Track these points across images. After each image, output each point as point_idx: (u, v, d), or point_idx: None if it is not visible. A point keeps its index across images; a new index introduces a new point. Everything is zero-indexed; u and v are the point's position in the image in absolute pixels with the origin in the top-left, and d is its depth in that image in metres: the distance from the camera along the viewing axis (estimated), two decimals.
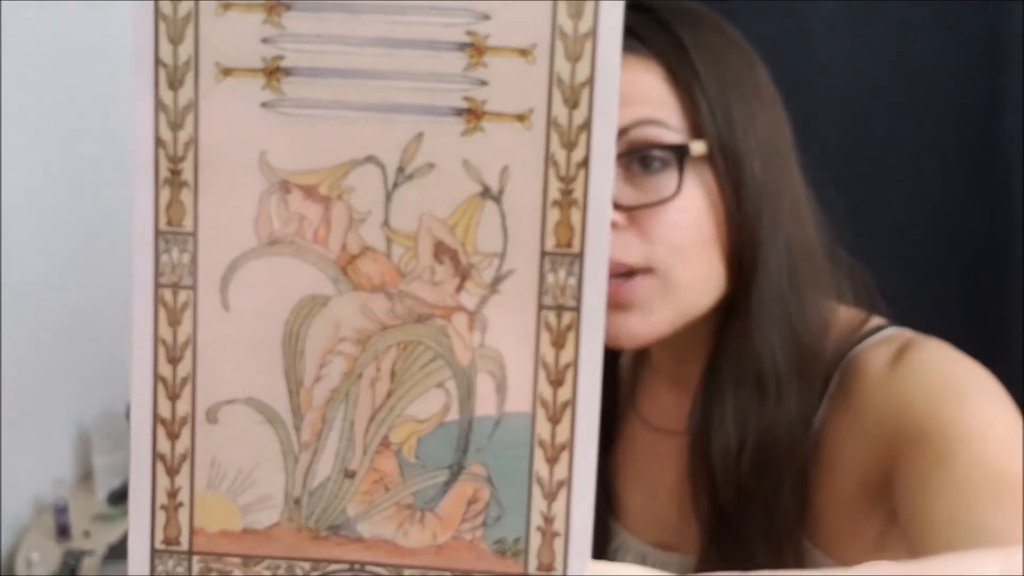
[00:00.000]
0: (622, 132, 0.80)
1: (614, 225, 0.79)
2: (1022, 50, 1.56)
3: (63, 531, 1.67)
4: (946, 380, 0.78)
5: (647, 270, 0.79)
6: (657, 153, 0.79)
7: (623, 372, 0.95)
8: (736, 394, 0.82)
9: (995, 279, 1.62)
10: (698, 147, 0.80)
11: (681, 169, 0.79)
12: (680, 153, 0.79)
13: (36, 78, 1.76)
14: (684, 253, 0.80)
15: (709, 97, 0.81)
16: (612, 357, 0.94)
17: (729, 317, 0.83)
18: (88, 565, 1.58)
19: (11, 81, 1.66)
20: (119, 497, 1.78)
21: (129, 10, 0.39)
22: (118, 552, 1.56)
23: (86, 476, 1.90)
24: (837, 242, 0.90)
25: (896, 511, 0.78)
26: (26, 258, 1.73)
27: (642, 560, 0.97)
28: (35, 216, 1.77)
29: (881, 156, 1.68)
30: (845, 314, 0.88)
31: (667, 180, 0.79)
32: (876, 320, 0.88)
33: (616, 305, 0.79)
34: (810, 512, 0.83)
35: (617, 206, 0.79)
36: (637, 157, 0.79)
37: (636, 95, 0.81)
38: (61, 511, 1.67)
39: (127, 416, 1.73)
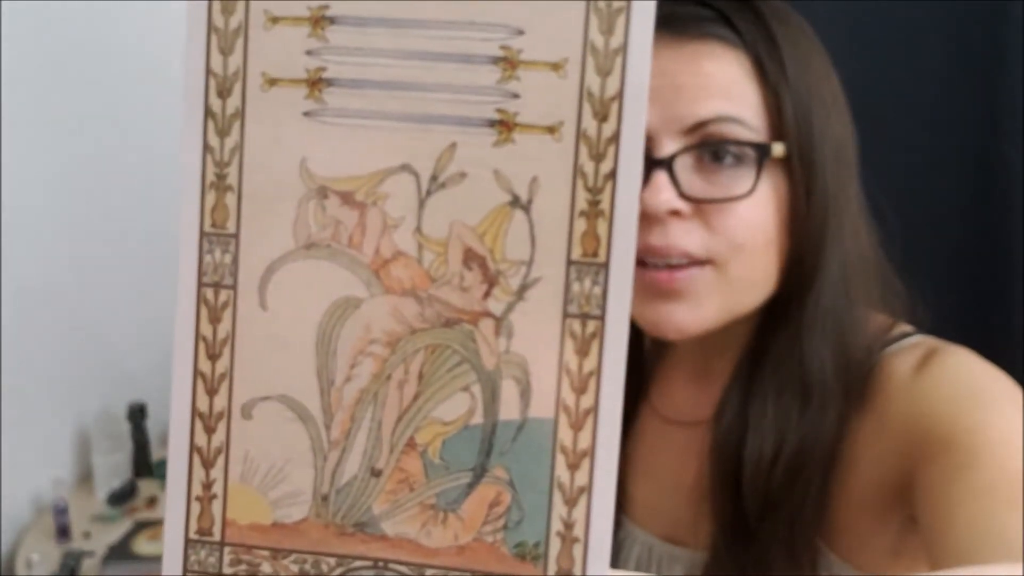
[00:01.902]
0: (701, 124, 0.78)
1: (678, 214, 0.78)
2: (1021, 53, 1.57)
3: (63, 532, 1.67)
4: (972, 387, 0.77)
5: (706, 261, 0.78)
6: (733, 149, 0.77)
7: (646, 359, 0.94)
8: (777, 400, 0.80)
9: (995, 283, 1.62)
10: (778, 149, 0.78)
11: (759, 168, 0.78)
12: (761, 152, 0.78)
13: (38, 79, 1.76)
14: (745, 251, 0.78)
15: (794, 100, 0.80)
16: (636, 340, 0.91)
17: (777, 320, 0.82)
18: (88, 566, 1.58)
19: (11, 82, 1.66)
20: (119, 498, 1.78)
21: (185, 22, 0.40)
22: (117, 553, 1.57)
23: (86, 477, 1.90)
24: (888, 259, 0.90)
25: (915, 517, 0.77)
26: (26, 259, 1.73)
27: (648, 552, 0.96)
28: (35, 217, 1.77)
29: (880, 159, 1.69)
30: (874, 319, 0.87)
31: (740, 177, 0.78)
32: (904, 327, 0.87)
33: (667, 294, 0.78)
34: (828, 515, 0.82)
35: (685, 196, 0.77)
36: (710, 150, 0.77)
37: (722, 88, 0.80)
38: (61, 512, 1.67)
39: (127, 417, 1.75)
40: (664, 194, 0.77)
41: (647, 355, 0.93)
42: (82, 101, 1.88)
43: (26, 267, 1.73)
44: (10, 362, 1.68)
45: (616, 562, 1.00)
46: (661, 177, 0.78)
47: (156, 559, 1.53)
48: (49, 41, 1.78)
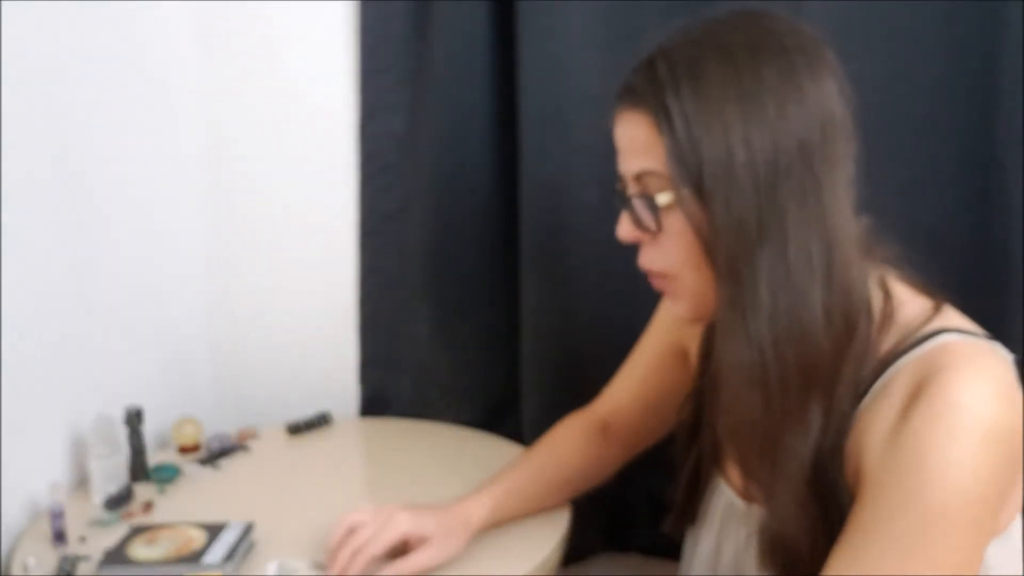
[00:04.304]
0: (638, 176, 1.04)
1: (641, 242, 1.07)
2: (1019, 58, 1.58)
3: (59, 536, 1.65)
4: (925, 466, 0.90)
5: (664, 275, 1.07)
6: (640, 200, 1.03)
7: None
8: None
9: (992, 289, 1.63)
10: (663, 198, 1.02)
11: (655, 213, 1.03)
12: (650, 203, 1.02)
13: (35, 79, 1.76)
14: (687, 266, 1.03)
15: (677, 137, 0.97)
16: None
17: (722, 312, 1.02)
18: (84, 570, 1.57)
19: (11, 82, 1.66)
20: (115, 502, 1.77)
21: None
22: (114, 557, 1.55)
23: (82, 481, 1.89)
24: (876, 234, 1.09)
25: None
26: (23, 262, 1.72)
27: (730, 506, 1.19)
28: (33, 221, 1.77)
29: (876, 164, 1.70)
30: (911, 308, 1.04)
31: (651, 218, 1.04)
32: (937, 321, 1.02)
33: (662, 294, 1.11)
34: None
35: (640, 228, 1.06)
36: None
37: (641, 146, 1.02)
38: (57, 516, 1.66)
39: (124, 421, 1.74)
40: (622, 227, 1.08)
41: None
42: (83, 101, 1.88)
43: (23, 270, 1.72)
44: (6, 366, 1.67)
45: (706, 511, 1.28)
46: (624, 214, 1.08)
47: (152, 564, 1.52)
48: (48, 42, 1.78)
